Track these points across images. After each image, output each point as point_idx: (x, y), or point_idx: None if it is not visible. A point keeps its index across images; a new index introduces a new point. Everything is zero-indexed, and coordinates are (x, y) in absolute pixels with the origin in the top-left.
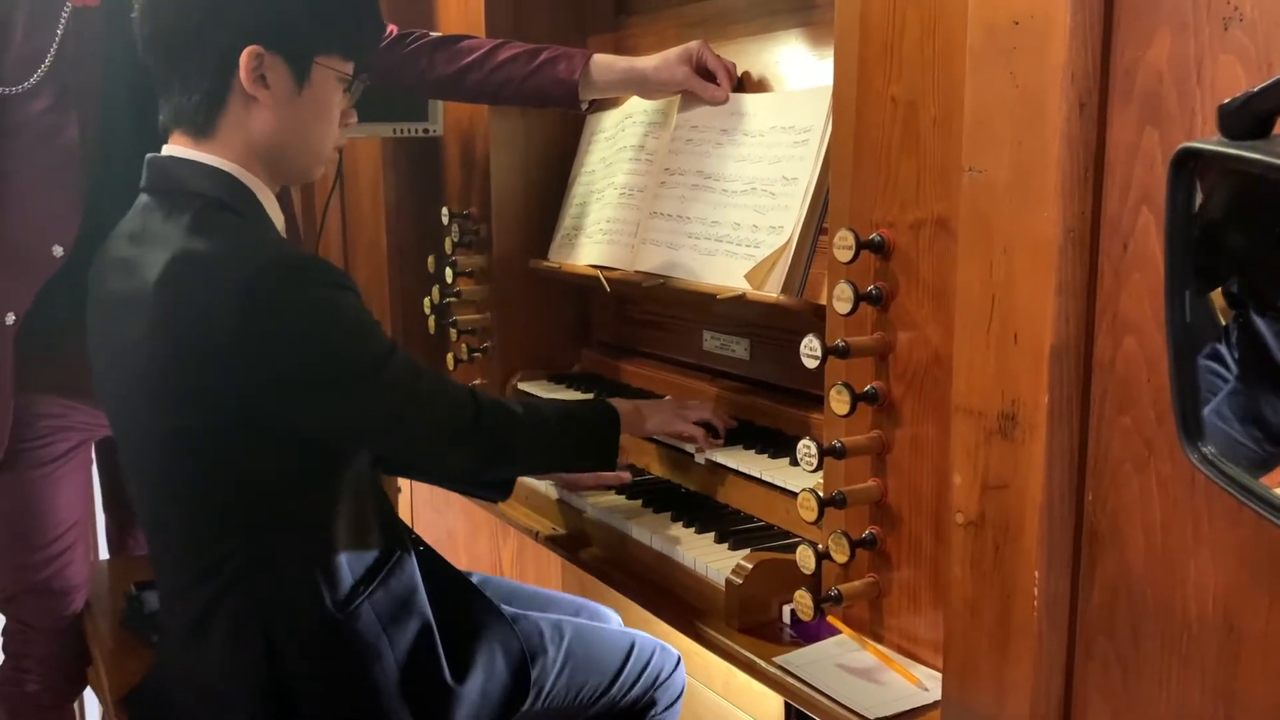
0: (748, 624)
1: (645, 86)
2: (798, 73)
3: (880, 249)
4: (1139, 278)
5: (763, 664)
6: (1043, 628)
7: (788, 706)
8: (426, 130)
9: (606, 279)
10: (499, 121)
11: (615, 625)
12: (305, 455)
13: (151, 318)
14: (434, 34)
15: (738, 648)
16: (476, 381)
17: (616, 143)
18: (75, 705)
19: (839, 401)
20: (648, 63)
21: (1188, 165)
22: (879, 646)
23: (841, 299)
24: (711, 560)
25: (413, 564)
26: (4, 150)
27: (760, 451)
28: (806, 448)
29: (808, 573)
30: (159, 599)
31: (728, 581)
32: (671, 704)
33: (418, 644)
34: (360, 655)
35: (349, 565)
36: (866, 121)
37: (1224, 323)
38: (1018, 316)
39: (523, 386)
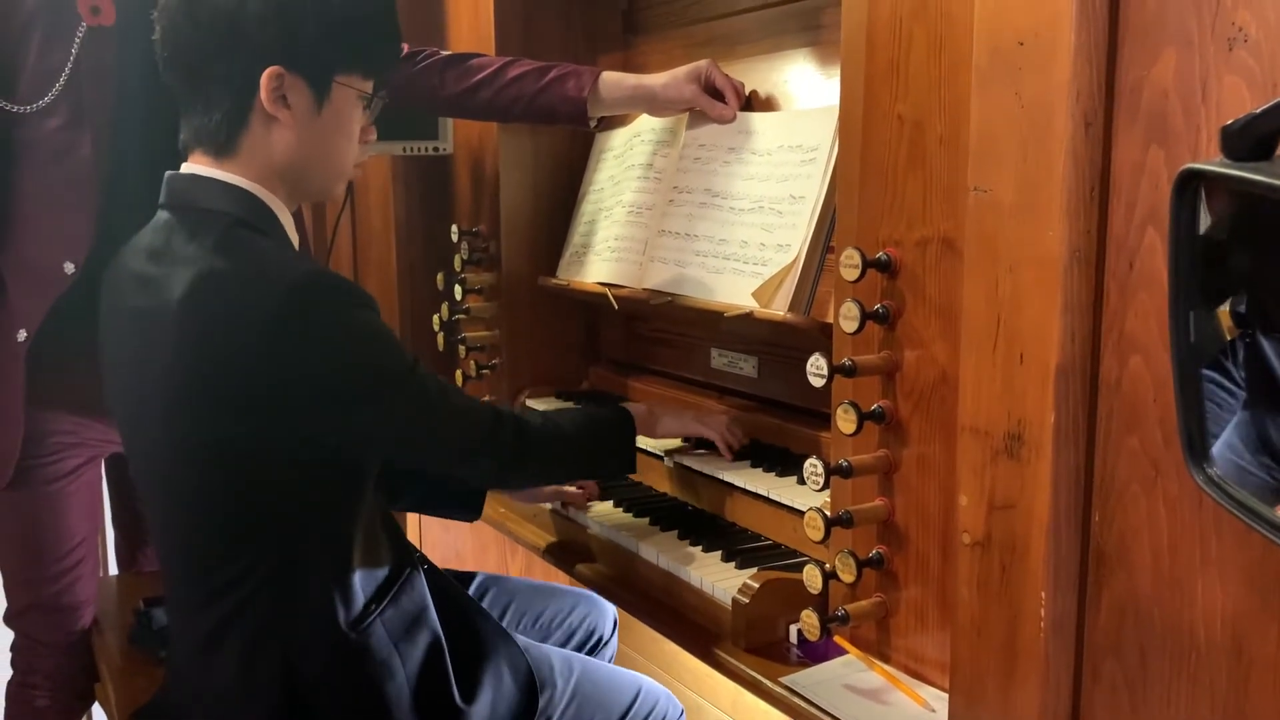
0: (754, 643)
1: (654, 104)
2: (805, 92)
3: (887, 268)
4: (1145, 297)
5: (769, 684)
6: (1050, 649)
7: None
8: (437, 149)
9: (615, 296)
10: (509, 140)
11: (612, 620)
12: (325, 473)
13: (175, 335)
14: (444, 52)
15: (744, 667)
16: (486, 398)
17: (625, 161)
18: None
19: (845, 420)
20: (656, 80)
21: (1191, 186)
22: (886, 667)
23: (848, 317)
24: (718, 579)
25: (422, 581)
26: (17, 168)
27: (768, 470)
28: (813, 466)
29: (814, 592)
30: (169, 616)
31: (734, 601)
32: None
33: (428, 661)
34: (373, 674)
35: (361, 584)
36: (873, 140)
37: (1231, 339)
38: (1023, 336)
39: (531, 403)
